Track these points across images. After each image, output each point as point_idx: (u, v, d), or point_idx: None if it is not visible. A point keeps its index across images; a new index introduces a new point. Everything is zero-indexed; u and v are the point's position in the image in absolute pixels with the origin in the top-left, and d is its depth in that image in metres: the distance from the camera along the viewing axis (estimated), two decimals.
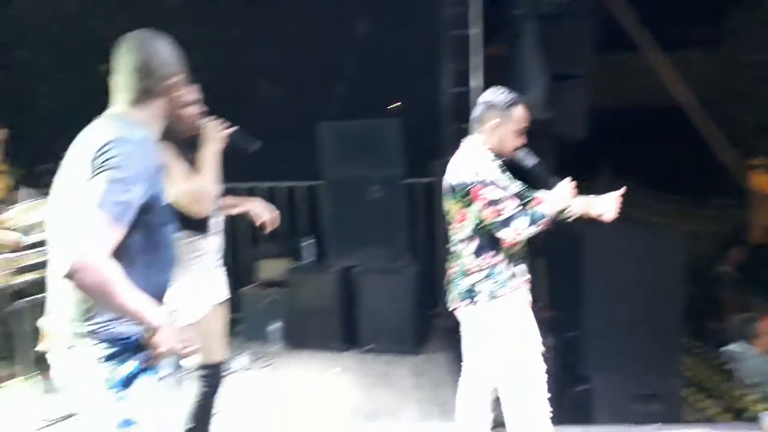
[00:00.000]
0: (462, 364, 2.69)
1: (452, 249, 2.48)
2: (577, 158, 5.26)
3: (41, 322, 1.59)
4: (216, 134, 2.28)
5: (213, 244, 2.42)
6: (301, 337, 4.60)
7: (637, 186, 5.88)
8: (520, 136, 2.46)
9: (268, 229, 2.62)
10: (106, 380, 1.49)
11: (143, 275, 1.50)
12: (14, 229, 3.60)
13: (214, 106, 2.45)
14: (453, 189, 2.38)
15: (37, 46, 5.20)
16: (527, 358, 2.39)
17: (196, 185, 2.18)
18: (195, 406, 2.44)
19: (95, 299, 1.45)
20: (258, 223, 2.61)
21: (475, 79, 4.41)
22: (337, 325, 4.53)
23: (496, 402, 2.56)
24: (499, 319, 2.37)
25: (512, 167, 2.57)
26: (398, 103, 5.83)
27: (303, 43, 5.53)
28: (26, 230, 3.35)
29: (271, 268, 5.00)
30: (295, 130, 5.20)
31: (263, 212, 2.58)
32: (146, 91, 1.59)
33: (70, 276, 1.36)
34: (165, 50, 1.63)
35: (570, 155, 5.25)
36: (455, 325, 4.53)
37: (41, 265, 2.95)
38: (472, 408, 2.64)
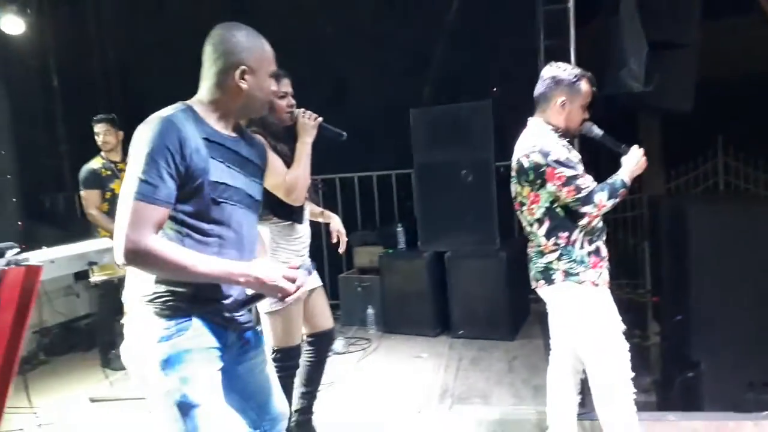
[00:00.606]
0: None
1: (527, 230, 2.43)
2: (685, 133, 4.92)
3: (123, 297, 1.65)
4: (308, 126, 2.38)
5: (305, 231, 2.56)
6: (395, 322, 4.67)
7: (751, 160, 5.39)
8: (587, 110, 2.39)
9: (341, 249, 2.78)
10: (161, 358, 1.50)
11: (209, 252, 1.53)
12: None
13: (306, 98, 2.56)
14: (525, 171, 2.31)
15: (154, 49, 5.62)
16: (607, 336, 2.30)
17: (293, 175, 2.33)
18: (305, 374, 2.64)
19: (169, 274, 1.48)
20: (333, 240, 2.78)
21: (573, 55, 4.24)
22: (430, 310, 4.54)
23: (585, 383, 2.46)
24: (576, 298, 2.31)
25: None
26: (494, 89, 5.71)
27: (391, 30, 5.57)
28: None
29: (366, 255, 5.11)
30: (386, 117, 5.25)
31: (338, 231, 2.77)
32: (214, 78, 1.60)
33: (128, 264, 1.44)
34: (234, 40, 1.60)
35: (678, 129, 4.92)
36: None
37: None
38: (559, 389, 2.58)
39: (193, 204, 1.53)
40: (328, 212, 2.82)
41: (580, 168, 2.31)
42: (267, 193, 1.95)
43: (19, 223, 4.89)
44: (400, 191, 5.50)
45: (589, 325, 2.31)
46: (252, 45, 1.62)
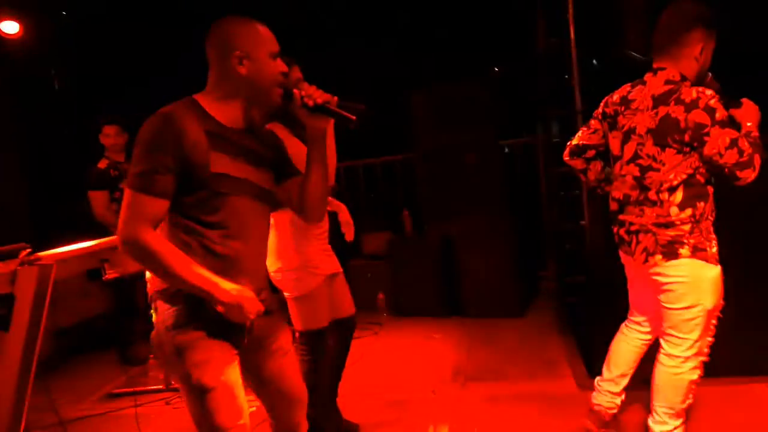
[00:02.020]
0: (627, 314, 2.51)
1: (648, 196, 2.17)
2: None
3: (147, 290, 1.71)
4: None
5: (325, 220, 2.60)
6: (406, 305, 4.70)
7: None
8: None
9: (348, 237, 2.79)
10: (176, 344, 1.56)
11: (212, 243, 1.58)
12: None
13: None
14: (679, 130, 2.03)
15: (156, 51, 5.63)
16: (709, 319, 2.17)
17: None
18: (331, 355, 2.67)
19: (152, 271, 1.55)
20: (342, 229, 2.78)
21: (573, 30, 4.21)
22: (440, 292, 4.57)
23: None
24: (699, 274, 2.12)
25: None
26: (495, 68, 5.68)
27: (385, 11, 5.53)
28: None
29: (374, 242, 5.14)
30: (387, 103, 5.24)
31: (346, 222, 2.77)
32: (216, 71, 1.63)
33: (124, 251, 1.49)
34: (225, 29, 1.62)
35: None
36: (563, 286, 4.44)
37: None
38: (624, 358, 2.47)
39: (196, 196, 1.56)
40: (335, 202, 2.84)
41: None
42: None
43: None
44: (404, 176, 5.51)
45: (701, 302, 2.13)
46: (243, 30, 1.63)
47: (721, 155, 2.00)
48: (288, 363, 1.84)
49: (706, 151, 2.01)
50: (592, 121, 2.41)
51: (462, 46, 5.46)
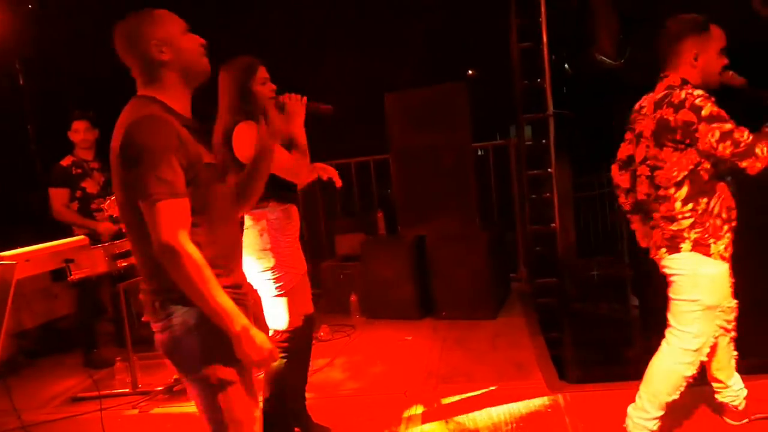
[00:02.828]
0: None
1: (659, 194, 2.26)
2: None
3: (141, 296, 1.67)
4: (297, 108, 2.37)
5: (296, 215, 2.62)
6: (379, 307, 4.68)
7: None
8: (723, 55, 2.26)
9: (338, 184, 2.78)
10: (190, 344, 1.57)
11: (212, 233, 1.60)
12: (113, 219, 3.94)
13: (284, 84, 2.54)
14: (671, 130, 2.14)
15: None
16: (716, 312, 2.22)
17: (295, 158, 2.40)
18: (294, 360, 2.63)
19: (182, 283, 1.49)
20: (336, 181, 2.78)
21: (545, 34, 4.25)
22: (413, 294, 4.56)
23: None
24: (697, 269, 2.18)
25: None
26: (469, 71, 5.72)
27: (363, 14, 5.53)
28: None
29: (347, 243, 5.11)
30: (361, 103, 5.24)
31: (324, 169, 2.77)
32: (146, 69, 1.61)
33: (164, 259, 1.46)
34: (129, 30, 1.60)
35: None
36: (536, 289, 4.48)
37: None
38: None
39: (194, 190, 1.56)
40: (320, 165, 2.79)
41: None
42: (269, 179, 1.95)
43: None
44: (378, 177, 5.51)
45: (704, 296, 2.18)
46: (146, 20, 1.61)
47: (714, 148, 2.09)
48: None
49: (700, 146, 2.11)
50: (627, 133, 2.50)
51: (438, 49, 5.49)
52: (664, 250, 2.26)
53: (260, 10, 5.30)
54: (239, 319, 1.51)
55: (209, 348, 1.57)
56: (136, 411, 3.33)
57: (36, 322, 4.68)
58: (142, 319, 1.69)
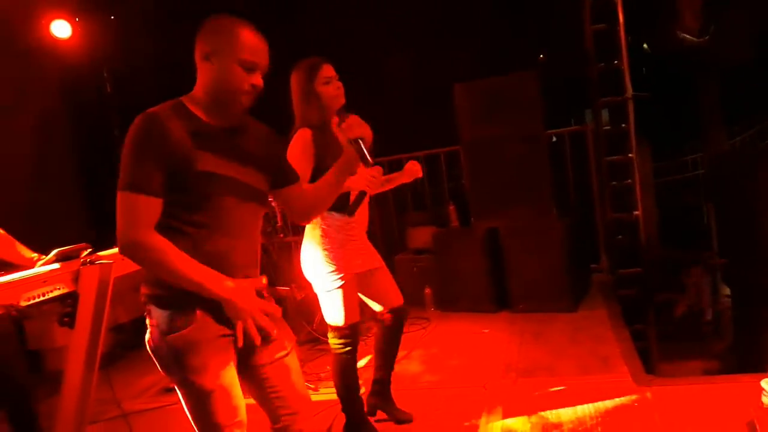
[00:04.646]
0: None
1: None
2: (745, 86, 4.67)
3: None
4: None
5: (362, 216, 2.65)
6: (453, 300, 4.66)
7: None
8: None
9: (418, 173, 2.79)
10: (173, 349, 1.55)
11: (199, 242, 1.56)
12: None
13: (349, 82, 2.55)
14: None
15: None
16: None
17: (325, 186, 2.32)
18: (382, 348, 2.77)
19: (156, 273, 1.53)
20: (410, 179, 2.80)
21: (621, 13, 4.07)
22: (487, 287, 4.51)
23: None
24: None
25: None
26: (540, 56, 5.58)
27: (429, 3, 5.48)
28: None
29: (419, 236, 5.11)
30: (430, 95, 5.20)
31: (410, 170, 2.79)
32: (197, 66, 1.63)
33: (124, 255, 1.49)
34: (206, 27, 1.61)
35: (737, 83, 4.67)
36: (618, 279, 4.32)
37: None
38: None
39: (182, 195, 1.54)
40: (391, 176, 2.83)
41: None
42: None
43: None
44: (449, 169, 5.47)
45: None
46: (224, 28, 1.59)
47: None
48: (292, 371, 1.77)
49: None
50: None
51: (507, 34, 5.37)
52: None
53: (325, 6, 5.36)
54: (224, 283, 1.52)
55: (183, 354, 1.55)
56: None
57: (130, 317, 4.97)
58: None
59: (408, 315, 2.86)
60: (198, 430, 1.62)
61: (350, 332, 2.57)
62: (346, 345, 2.57)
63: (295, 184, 1.84)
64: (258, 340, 1.58)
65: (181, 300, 1.54)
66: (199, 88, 1.64)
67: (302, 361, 3.95)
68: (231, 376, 1.61)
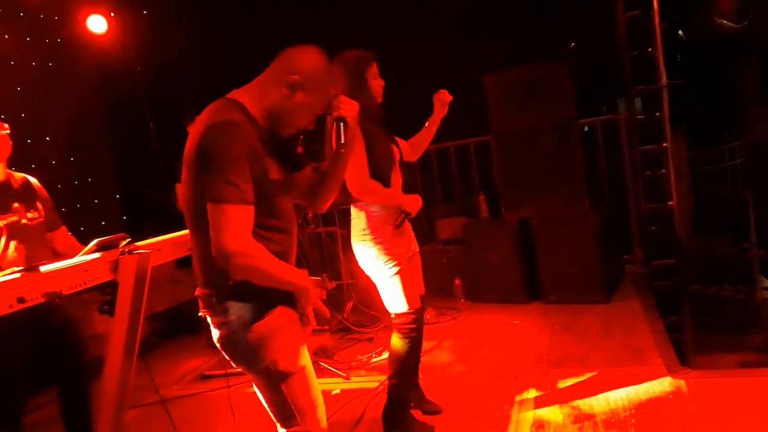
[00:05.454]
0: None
1: None
2: None
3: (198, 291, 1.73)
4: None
5: None
6: (483, 291, 4.65)
7: None
8: None
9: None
10: (257, 337, 1.61)
11: (272, 244, 1.62)
12: None
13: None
14: None
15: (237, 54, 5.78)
16: None
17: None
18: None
19: (250, 277, 1.54)
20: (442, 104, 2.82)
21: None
22: (518, 277, 4.49)
23: None
24: None
25: None
26: (572, 44, 5.47)
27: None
28: None
29: (448, 227, 5.10)
30: (460, 85, 5.16)
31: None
32: (275, 82, 1.64)
33: (236, 263, 1.49)
34: (311, 60, 1.65)
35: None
36: (651, 271, 4.25)
37: None
38: None
39: (261, 203, 1.57)
40: (429, 120, 2.87)
41: None
42: None
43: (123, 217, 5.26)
44: (479, 159, 5.44)
45: None
46: (321, 68, 1.65)
47: None
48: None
49: None
50: None
51: (537, 22, 5.29)
52: None
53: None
54: (304, 276, 1.65)
55: (267, 341, 1.62)
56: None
57: (165, 306, 5.09)
58: (199, 314, 1.72)
59: (427, 304, 2.88)
60: (280, 418, 1.69)
61: (416, 317, 2.59)
62: (412, 331, 2.58)
63: (306, 168, 1.87)
64: (316, 323, 1.73)
65: (261, 291, 1.60)
66: (260, 99, 1.64)
67: (333, 349, 4.00)
68: (308, 358, 1.72)
